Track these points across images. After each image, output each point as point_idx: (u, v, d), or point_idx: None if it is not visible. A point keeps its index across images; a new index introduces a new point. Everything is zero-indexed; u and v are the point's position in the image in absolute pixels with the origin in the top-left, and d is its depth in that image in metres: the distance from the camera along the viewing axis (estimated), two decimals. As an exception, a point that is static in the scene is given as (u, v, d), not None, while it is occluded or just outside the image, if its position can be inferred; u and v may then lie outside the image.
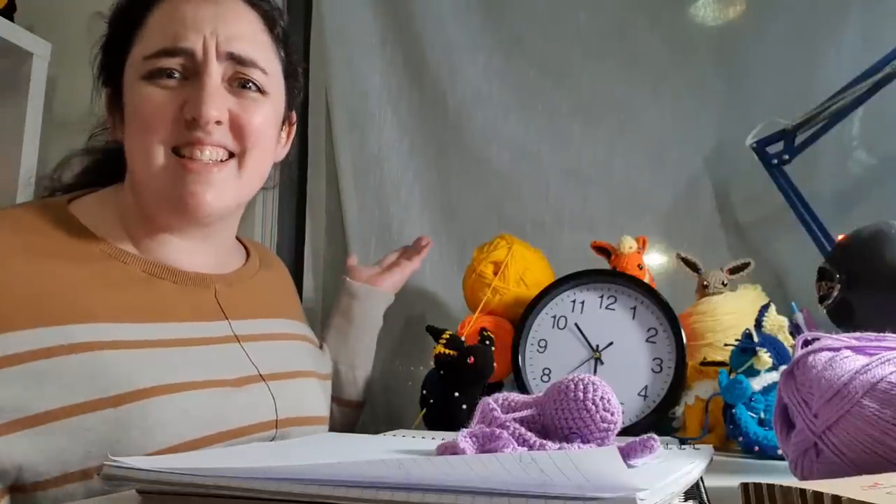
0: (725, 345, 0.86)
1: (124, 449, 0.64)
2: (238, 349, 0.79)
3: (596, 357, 0.98)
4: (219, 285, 0.81)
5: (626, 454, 0.48)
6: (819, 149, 1.11)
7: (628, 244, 1.06)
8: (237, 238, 0.91)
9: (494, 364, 0.92)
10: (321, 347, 1.04)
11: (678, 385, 0.92)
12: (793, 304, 0.90)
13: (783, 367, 0.56)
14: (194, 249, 0.80)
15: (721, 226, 1.27)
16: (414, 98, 1.41)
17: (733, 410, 0.78)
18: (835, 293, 0.81)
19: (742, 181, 1.24)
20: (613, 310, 1.00)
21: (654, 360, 0.95)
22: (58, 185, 0.85)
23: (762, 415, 0.78)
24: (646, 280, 1.02)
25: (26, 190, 1.17)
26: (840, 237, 0.88)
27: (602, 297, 1.01)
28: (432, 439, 0.66)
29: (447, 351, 0.91)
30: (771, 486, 0.34)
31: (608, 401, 0.53)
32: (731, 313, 0.99)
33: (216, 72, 0.73)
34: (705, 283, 1.03)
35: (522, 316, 1.02)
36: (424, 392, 0.94)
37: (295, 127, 0.90)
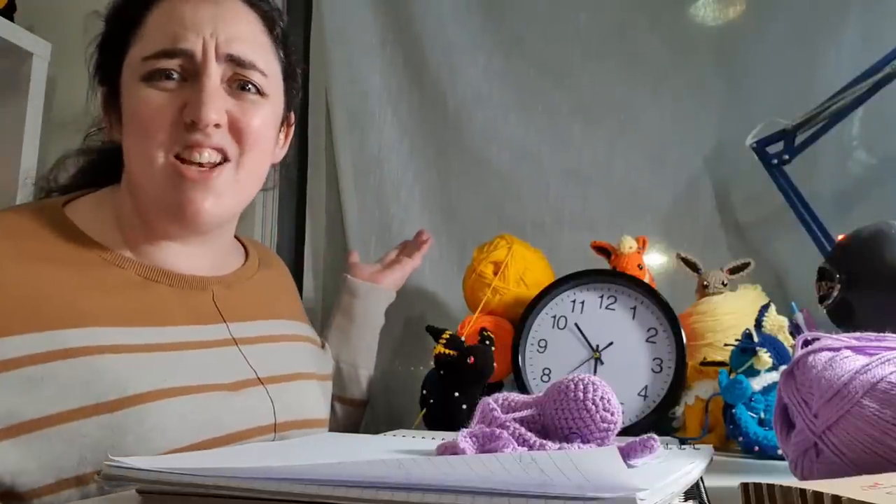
0: (725, 345, 0.86)
1: (119, 454, 0.63)
2: (236, 352, 0.78)
3: (596, 357, 0.98)
4: (216, 288, 0.80)
5: (626, 454, 0.48)
6: (819, 149, 1.11)
7: (628, 244, 1.06)
8: (236, 237, 0.90)
9: (494, 364, 0.92)
10: (322, 346, 1.03)
11: (678, 385, 0.92)
12: (793, 304, 0.90)
13: (783, 367, 0.56)
14: (191, 252, 0.79)
15: (721, 226, 1.26)
16: (414, 98, 1.41)
17: (733, 410, 0.78)
18: (835, 293, 0.81)
19: (742, 181, 1.24)
20: (613, 310, 1.00)
21: (654, 360, 0.95)
22: (53, 187, 0.85)
23: (762, 415, 0.77)
24: (646, 280, 1.02)
25: (24, 190, 1.17)
26: (840, 237, 0.88)
27: (602, 297, 1.01)
28: (432, 439, 0.65)
29: (447, 351, 0.91)
30: (771, 486, 0.34)
31: (608, 401, 0.53)
32: (731, 313, 0.99)
33: (215, 73, 0.73)
34: (705, 283, 1.03)
35: (522, 316, 1.02)
36: (424, 392, 0.94)
37: (293, 128, 0.89)
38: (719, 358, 0.92)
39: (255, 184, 0.79)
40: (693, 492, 0.49)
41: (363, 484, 0.38)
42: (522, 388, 0.98)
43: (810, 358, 0.52)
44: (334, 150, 1.41)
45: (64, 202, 0.76)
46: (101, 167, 0.83)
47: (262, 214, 1.41)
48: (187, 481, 0.42)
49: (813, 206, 1.09)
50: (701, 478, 0.53)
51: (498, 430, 0.50)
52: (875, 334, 0.54)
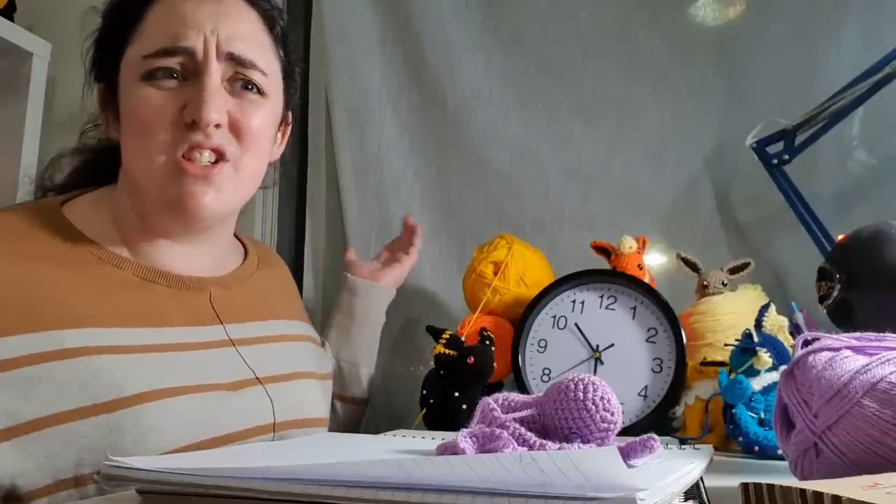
0: (725, 345, 0.86)
1: (117, 455, 0.63)
2: (234, 353, 0.78)
3: (596, 357, 0.98)
4: (213, 289, 0.80)
5: (626, 454, 0.48)
6: (819, 149, 1.11)
7: (628, 244, 1.06)
8: (235, 235, 0.90)
9: (494, 364, 0.92)
10: (322, 345, 1.03)
11: (678, 385, 0.92)
12: (793, 304, 0.90)
13: (783, 367, 0.56)
14: (190, 252, 0.79)
15: (721, 226, 1.27)
16: (414, 97, 1.41)
17: (733, 410, 0.78)
18: (835, 293, 0.81)
19: (742, 181, 1.24)
20: (613, 310, 1.00)
21: (654, 360, 0.95)
22: (49, 186, 0.84)
23: (762, 415, 0.77)
24: (646, 280, 1.02)
25: (24, 190, 1.17)
26: (840, 237, 0.88)
27: (602, 297, 1.01)
28: (432, 439, 0.65)
29: (447, 351, 0.91)
30: (771, 486, 0.34)
31: (608, 401, 0.53)
32: (731, 313, 0.99)
33: (216, 72, 0.72)
34: (705, 283, 1.03)
35: (522, 316, 1.02)
36: (424, 392, 0.94)
37: (290, 127, 0.88)
38: (719, 358, 0.92)
39: (254, 182, 0.79)
40: (693, 492, 0.49)
41: (363, 484, 0.38)
42: (522, 388, 0.98)
43: (810, 358, 0.52)
44: (334, 149, 1.41)
45: (61, 202, 0.76)
46: (98, 166, 0.82)
47: (262, 213, 1.41)
48: (187, 481, 0.42)
49: (813, 206, 1.09)
50: (701, 478, 0.53)
51: (498, 430, 0.50)
52: (875, 334, 0.54)
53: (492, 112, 1.37)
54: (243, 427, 0.73)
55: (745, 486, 0.35)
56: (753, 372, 0.78)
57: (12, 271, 0.66)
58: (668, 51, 1.31)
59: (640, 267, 1.05)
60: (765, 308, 0.84)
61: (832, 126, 1.07)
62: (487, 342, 0.93)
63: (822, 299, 0.84)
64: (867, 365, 0.49)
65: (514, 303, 1.08)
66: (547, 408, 0.54)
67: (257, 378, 0.78)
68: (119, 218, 0.76)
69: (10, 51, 1.28)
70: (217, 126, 0.72)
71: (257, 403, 0.76)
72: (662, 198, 1.29)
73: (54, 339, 0.64)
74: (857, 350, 0.52)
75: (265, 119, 0.77)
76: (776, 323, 0.83)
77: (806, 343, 0.54)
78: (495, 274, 1.09)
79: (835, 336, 0.54)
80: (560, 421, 0.53)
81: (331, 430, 0.92)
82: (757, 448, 0.76)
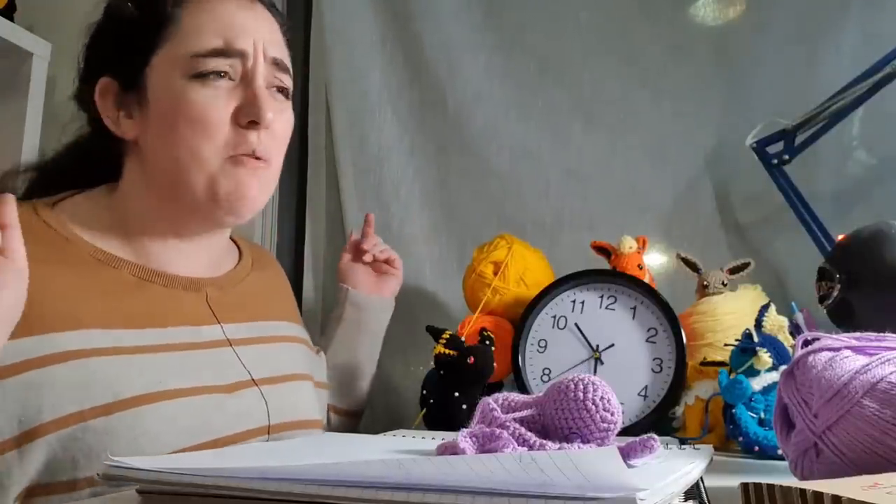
0: (725, 345, 0.86)
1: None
2: (231, 353, 0.78)
3: (596, 357, 0.98)
4: (210, 289, 0.80)
5: (626, 454, 0.48)
6: (819, 149, 1.11)
7: (628, 244, 1.06)
8: (231, 237, 0.90)
9: (494, 364, 0.92)
10: (318, 353, 1.01)
11: (678, 385, 0.92)
12: (793, 304, 0.90)
13: (783, 367, 0.56)
14: (189, 253, 0.79)
15: (721, 226, 1.27)
16: (414, 97, 1.41)
17: (733, 410, 0.78)
18: (835, 293, 0.81)
19: (742, 181, 1.24)
20: (613, 310, 1.00)
21: (654, 360, 0.95)
22: (35, 187, 0.82)
23: (762, 415, 0.77)
24: (646, 280, 1.02)
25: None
26: (840, 237, 0.88)
27: (602, 297, 1.01)
28: (432, 439, 0.65)
29: (447, 351, 0.91)
30: (771, 486, 0.34)
31: (608, 401, 0.53)
32: (731, 313, 0.99)
33: (262, 76, 0.75)
34: (705, 283, 1.03)
35: (522, 316, 1.02)
36: (424, 392, 0.94)
37: None
38: (719, 358, 0.92)
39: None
40: (693, 492, 0.49)
41: (363, 484, 0.38)
42: (522, 388, 0.98)
43: (810, 358, 0.52)
44: (334, 150, 1.41)
45: (53, 203, 0.75)
46: (86, 167, 0.81)
47: (262, 214, 1.40)
48: (187, 481, 0.42)
49: (813, 206, 1.09)
50: (701, 478, 0.53)
51: (498, 430, 0.50)
52: (875, 334, 0.54)
53: (492, 112, 1.37)
54: (238, 430, 0.73)
55: (745, 486, 0.35)
56: (753, 372, 0.78)
57: None
58: (669, 51, 1.31)
59: (640, 267, 1.05)
60: (765, 308, 0.84)
61: (832, 126, 1.07)
62: (487, 342, 0.93)
63: (822, 299, 0.84)
64: (867, 365, 0.49)
65: (514, 303, 1.08)
66: (547, 408, 0.54)
67: (253, 380, 0.78)
68: (119, 217, 0.76)
69: (10, 51, 1.28)
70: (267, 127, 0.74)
71: (252, 406, 0.76)
72: (662, 198, 1.29)
73: (55, 342, 0.64)
74: (857, 350, 0.52)
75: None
76: (776, 323, 0.83)
77: (806, 343, 0.54)
78: (495, 274, 1.09)
79: (835, 336, 0.54)
80: (560, 421, 0.53)
81: None
82: (757, 448, 0.76)
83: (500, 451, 0.48)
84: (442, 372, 0.92)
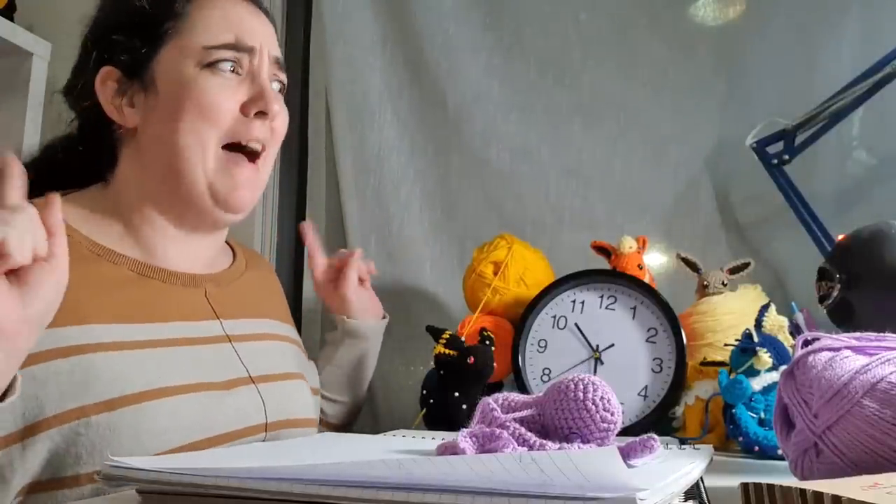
0: (725, 345, 0.86)
1: (115, 453, 0.63)
2: (230, 349, 0.78)
3: (596, 357, 0.98)
4: (209, 285, 0.81)
5: (626, 454, 0.48)
6: (819, 149, 1.11)
7: (628, 244, 1.06)
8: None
9: (494, 364, 0.92)
10: (309, 360, 1.00)
11: (678, 385, 0.92)
12: (793, 304, 0.90)
13: (783, 367, 0.56)
14: (187, 249, 0.80)
15: (721, 226, 1.27)
16: (414, 97, 1.41)
17: (733, 410, 0.78)
18: (835, 293, 0.81)
19: (742, 181, 1.24)
20: (613, 310, 1.00)
21: (654, 360, 0.95)
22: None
23: (762, 415, 0.77)
24: (646, 280, 1.02)
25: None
26: (840, 237, 0.88)
27: (602, 297, 1.01)
28: (432, 439, 0.65)
29: (447, 351, 0.91)
30: (771, 486, 0.34)
31: (608, 401, 0.53)
32: (731, 313, 0.99)
33: (268, 72, 0.79)
34: (705, 283, 1.03)
35: (522, 316, 1.02)
36: (424, 392, 0.94)
37: None
38: (719, 358, 0.92)
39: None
40: (693, 492, 0.49)
41: (363, 484, 0.38)
42: (522, 388, 0.98)
43: (810, 358, 0.52)
44: (334, 150, 1.41)
45: None
46: (81, 165, 0.81)
47: (262, 214, 1.41)
48: (187, 481, 0.42)
49: (813, 206, 1.09)
50: (701, 478, 0.53)
51: (498, 430, 0.50)
52: (875, 334, 0.54)
53: (492, 112, 1.37)
54: (236, 427, 0.73)
55: (745, 486, 0.35)
56: (753, 372, 0.78)
57: None
58: (668, 51, 1.31)
59: (640, 267, 1.05)
60: (765, 308, 0.84)
61: (832, 126, 1.07)
62: (487, 342, 0.93)
63: (822, 299, 0.84)
64: (867, 365, 0.49)
65: (514, 303, 1.08)
66: (547, 408, 0.54)
67: (250, 377, 0.78)
68: (118, 212, 0.77)
69: (10, 51, 1.28)
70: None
71: (250, 403, 0.77)
72: (662, 198, 1.29)
73: (57, 337, 0.64)
74: (857, 350, 0.52)
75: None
76: (776, 323, 0.83)
77: (806, 343, 0.54)
78: (495, 274, 1.09)
79: (835, 336, 0.54)
80: (560, 421, 0.53)
81: None
82: (757, 448, 0.76)
83: (500, 451, 0.48)
84: (442, 372, 0.92)
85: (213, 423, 0.71)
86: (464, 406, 0.89)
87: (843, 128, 1.13)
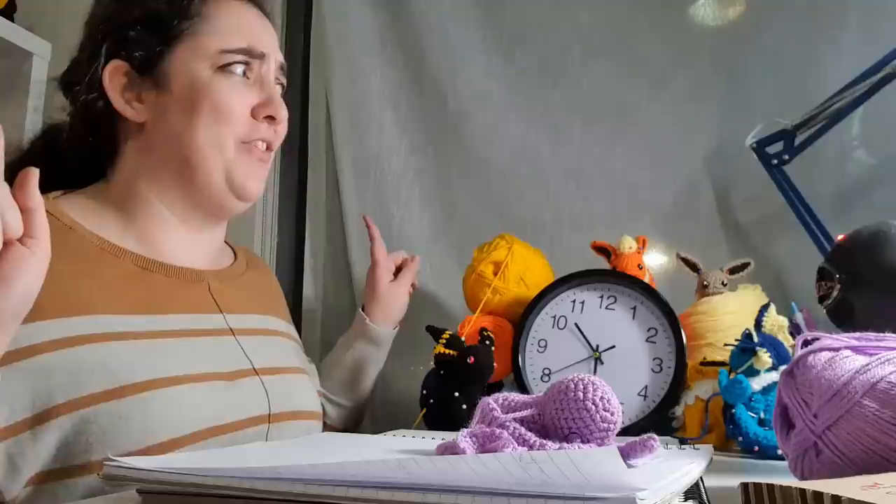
0: (725, 345, 0.86)
1: (124, 442, 0.64)
2: (233, 342, 0.79)
3: (596, 357, 0.98)
4: (212, 281, 0.82)
5: (626, 454, 0.48)
6: (819, 149, 1.11)
7: (628, 244, 1.06)
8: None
9: (494, 364, 0.92)
10: (310, 362, 1.02)
11: (678, 385, 0.92)
12: (793, 304, 0.90)
13: (783, 367, 0.56)
14: (190, 245, 0.81)
15: (721, 226, 1.27)
16: (414, 98, 1.41)
17: (733, 410, 0.78)
18: (835, 293, 0.81)
19: (742, 181, 1.24)
20: (613, 310, 1.00)
21: (654, 360, 0.95)
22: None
23: (762, 415, 0.77)
24: (646, 280, 1.02)
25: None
26: (840, 237, 0.88)
27: (602, 297, 1.01)
28: (432, 439, 0.66)
29: (447, 351, 0.91)
30: (771, 486, 0.34)
31: (608, 401, 0.53)
32: (731, 313, 0.99)
33: (275, 78, 0.83)
34: (705, 283, 1.03)
35: (522, 316, 1.02)
36: (424, 392, 0.94)
37: None
38: (719, 358, 0.92)
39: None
40: (693, 492, 0.49)
41: (363, 484, 0.38)
42: (522, 388, 0.98)
43: (810, 358, 0.52)
44: (334, 150, 1.41)
45: (54, 197, 0.76)
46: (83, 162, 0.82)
47: (262, 214, 1.41)
48: (188, 481, 0.42)
49: (813, 206, 1.09)
50: (701, 478, 0.53)
51: (498, 430, 0.50)
52: (875, 334, 0.54)
53: (492, 112, 1.37)
54: (240, 417, 0.74)
55: (745, 486, 0.35)
56: (753, 372, 0.78)
57: None
58: (669, 52, 1.31)
59: (640, 267, 1.05)
60: (765, 308, 0.84)
61: (832, 126, 1.07)
62: (487, 342, 0.93)
63: (822, 299, 0.84)
64: (867, 365, 0.49)
65: (514, 303, 1.08)
66: (547, 408, 0.54)
67: (254, 369, 0.79)
68: (121, 207, 0.77)
69: (10, 51, 1.28)
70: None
71: (254, 394, 0.77)
72: (662, 198, 1.29)
73: (65, 326, 0.65)
74: (857, 350, 0.52)
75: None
76: (776, 323, 0.83)
77: (806, 343, 0.54)
78: (495, 274, 1.09)
79: (835, 336, 0.54)
80: (560, 421, 0.53)
81: None
82: (757, 448, 0.76)
83: (500, 451, 0.48)
84: (442, 372, 0.92)
85: (219, 412, 0.72)
86: (464, 406, 0.89)
87: (843, 128, 1.13)
